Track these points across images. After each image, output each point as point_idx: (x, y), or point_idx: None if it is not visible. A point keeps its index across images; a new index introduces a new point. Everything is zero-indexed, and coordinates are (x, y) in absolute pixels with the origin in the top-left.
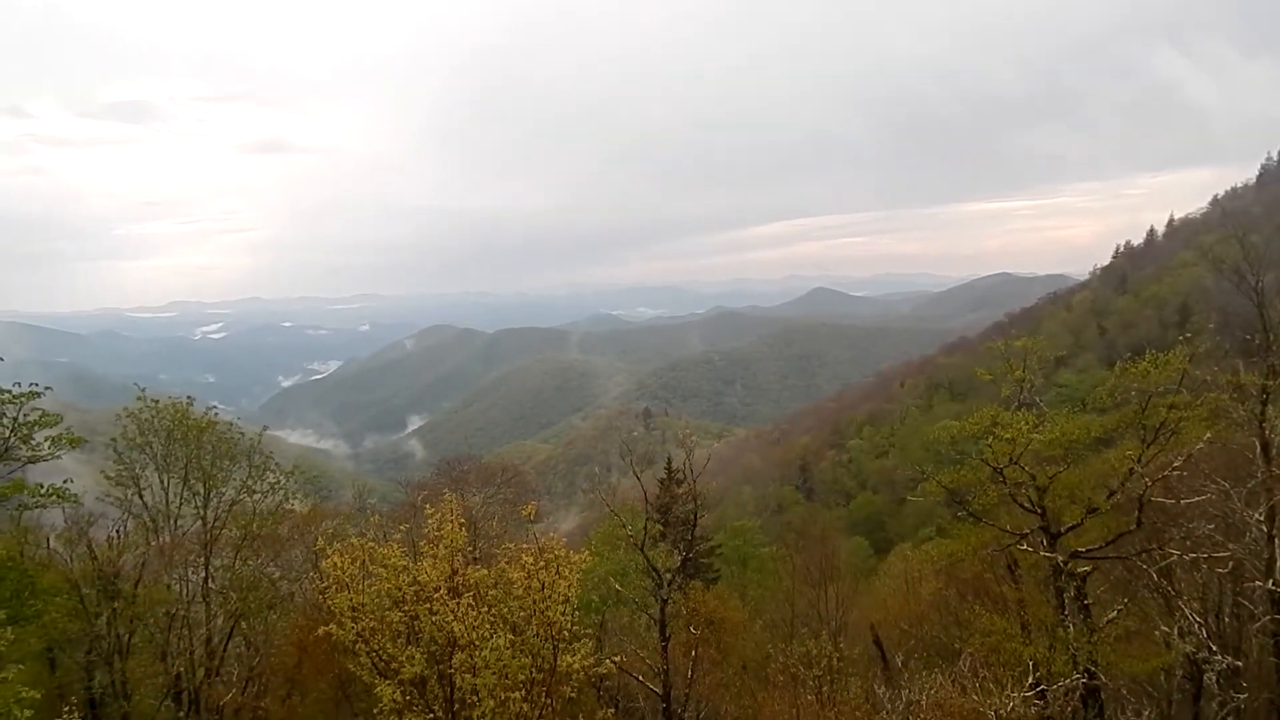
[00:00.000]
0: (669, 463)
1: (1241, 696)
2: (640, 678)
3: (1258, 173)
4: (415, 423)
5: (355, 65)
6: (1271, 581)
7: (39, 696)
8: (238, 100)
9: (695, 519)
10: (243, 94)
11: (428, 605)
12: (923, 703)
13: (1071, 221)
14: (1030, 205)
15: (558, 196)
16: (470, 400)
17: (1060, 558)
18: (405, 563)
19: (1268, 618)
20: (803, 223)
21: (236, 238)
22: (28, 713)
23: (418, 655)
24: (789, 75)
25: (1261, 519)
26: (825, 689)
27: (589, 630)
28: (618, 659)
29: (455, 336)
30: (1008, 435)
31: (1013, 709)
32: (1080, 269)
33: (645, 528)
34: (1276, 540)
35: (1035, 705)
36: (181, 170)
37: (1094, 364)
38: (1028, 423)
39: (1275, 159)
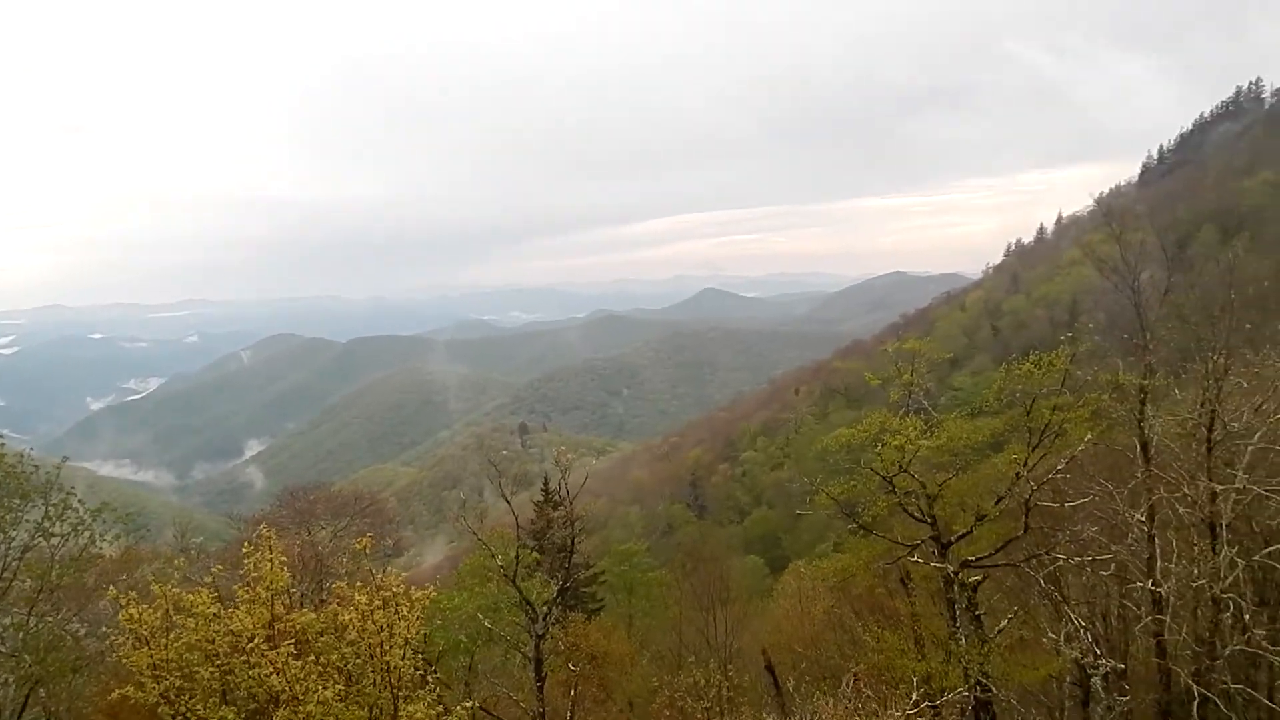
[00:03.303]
0: (545, 483)
1: (1125, 700)
2: None
3: (1139, 171)
4: (254, 448)
5: (177, 32)
6: (1152, 581)
7: None
8: (27, 69)
9: (572, 545)
10: (35, 59)
11: (244, 657)
12: None
13: (967, 219)
14: (925, 202)
15: (420, 190)
16: (319, 420)
17: (951, 567)
18: (216, 610)
19: (1150, 618)
20: (690, 218)
21: (31, 235)
22: None
23: (231, 715)
24: (681, 68)
25: (1143, 518)
26: None
27: (448, 673)
28: (470, 705)
29: (301, 347)
30: (896, 442)
31: None
32: (975, 267)
33: (517, 557)
34: (1157, 539)
35: None
36: None
37: (988, 365)
38: (916, 429)
39: (1155, 157)
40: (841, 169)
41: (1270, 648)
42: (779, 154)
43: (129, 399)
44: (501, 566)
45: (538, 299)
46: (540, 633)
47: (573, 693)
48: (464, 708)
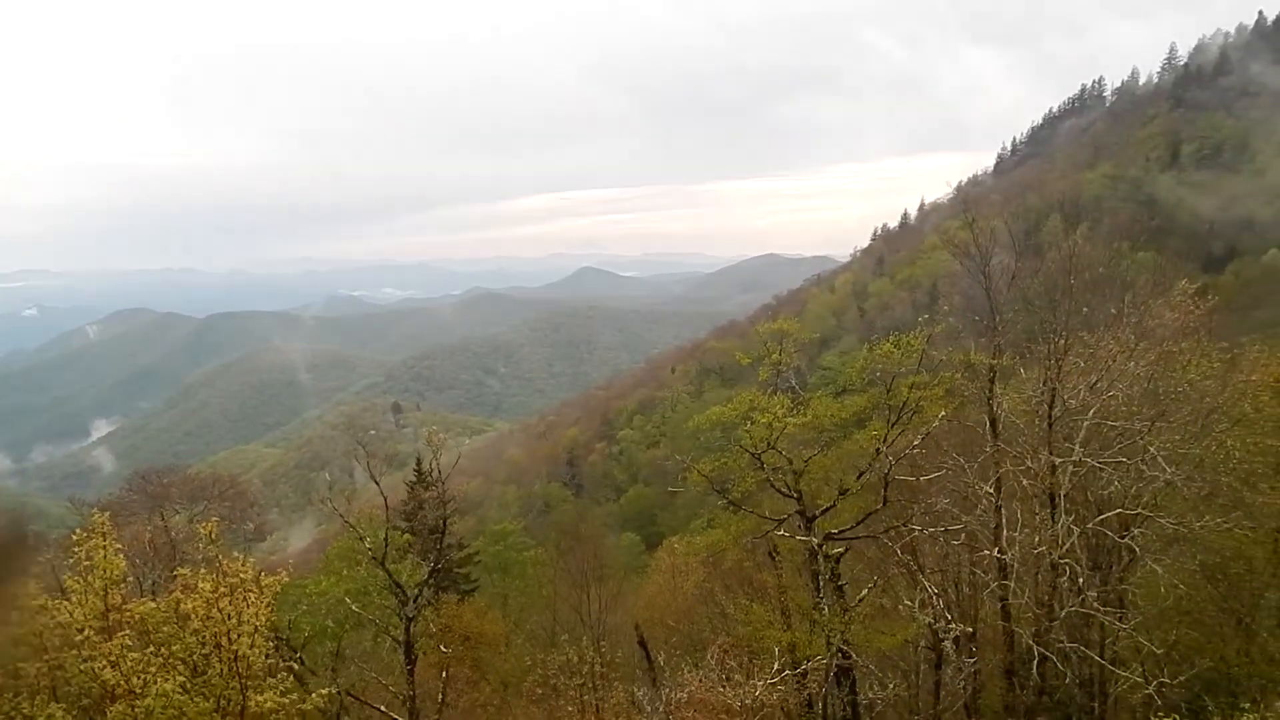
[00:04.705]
0: (418, 464)
1: (973, 661)
2: (383, 708)
3: (995, 161)
4: (102, 429)
5: None
6: (998, 549)
7: None
8: None
9: (444, 525)
10: None
11: (76, 651)
12: (677, 700)
13: (837, 203)
14: (797, 185)
15: (284, 160)
16: (175, 400)
17: (816, 540)
18: (43, 602)
19: (996, 583)
20: (569, 196)
21: None
22: None
23: (60, 713)
24: (554, 41)
25: (991, 490)
26: (587, 697)
27: (314, 660)
28: (328, 691)
29: (154, 323)
30: (765, 420)
31: (759, 696)
32: (844, 251)
33: (386, 539)
34: (1003, 509)
35: (779, 691)
36: None
37: (855, 345)
38: (783, 406)
39: (1009, 149)
40: (715, 151)
41: (1102, 609)
42: (655, 134)
43: None
44: (370, 549)
45: (412, 275)
46: (411, 615)
47: (445, 675)
48: (321, 694)
